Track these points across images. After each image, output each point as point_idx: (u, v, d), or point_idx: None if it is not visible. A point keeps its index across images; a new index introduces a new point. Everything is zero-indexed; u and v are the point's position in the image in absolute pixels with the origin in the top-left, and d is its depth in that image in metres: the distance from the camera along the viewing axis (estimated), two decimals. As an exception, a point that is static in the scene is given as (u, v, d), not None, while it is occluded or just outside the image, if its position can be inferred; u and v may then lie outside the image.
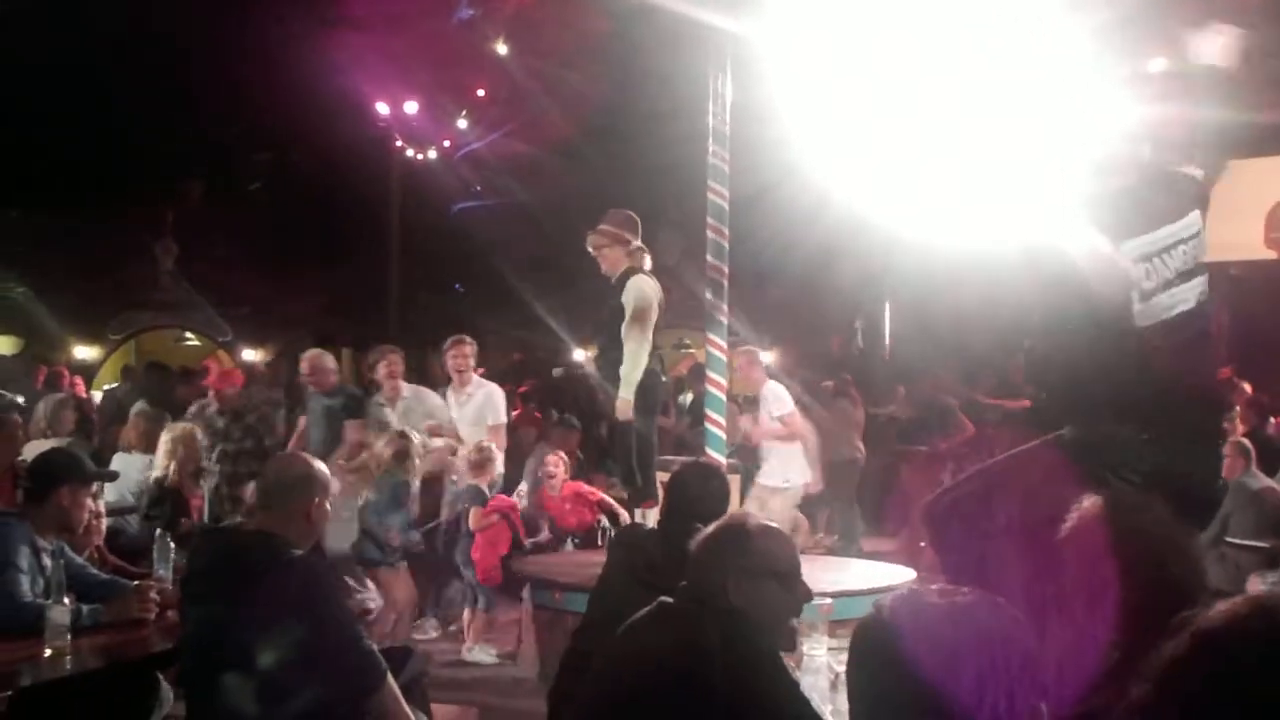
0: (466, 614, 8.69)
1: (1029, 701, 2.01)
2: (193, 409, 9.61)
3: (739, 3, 8.15)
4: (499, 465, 8.90)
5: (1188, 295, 4.02)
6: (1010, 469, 4.55)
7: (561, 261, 20.24)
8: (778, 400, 9.77)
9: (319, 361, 9.15)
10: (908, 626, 2.05)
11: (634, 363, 7.58)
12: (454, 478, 9.10)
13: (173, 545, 5.58)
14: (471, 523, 8.48)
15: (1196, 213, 4.12)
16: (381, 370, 9.17)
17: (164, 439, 8.25)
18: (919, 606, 2.11)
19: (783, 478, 9.78)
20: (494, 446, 8.97)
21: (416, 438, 8.23)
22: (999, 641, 2.03)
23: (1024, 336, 8.81)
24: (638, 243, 7.81)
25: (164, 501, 7.88)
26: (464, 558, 8.54)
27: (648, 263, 7.87)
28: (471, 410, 9.34)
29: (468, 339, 9.51)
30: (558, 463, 9.53)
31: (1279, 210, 14.63)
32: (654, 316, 7.64)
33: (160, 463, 8.10)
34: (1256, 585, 6.90)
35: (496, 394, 9.62)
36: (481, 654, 8.39)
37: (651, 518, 7.29)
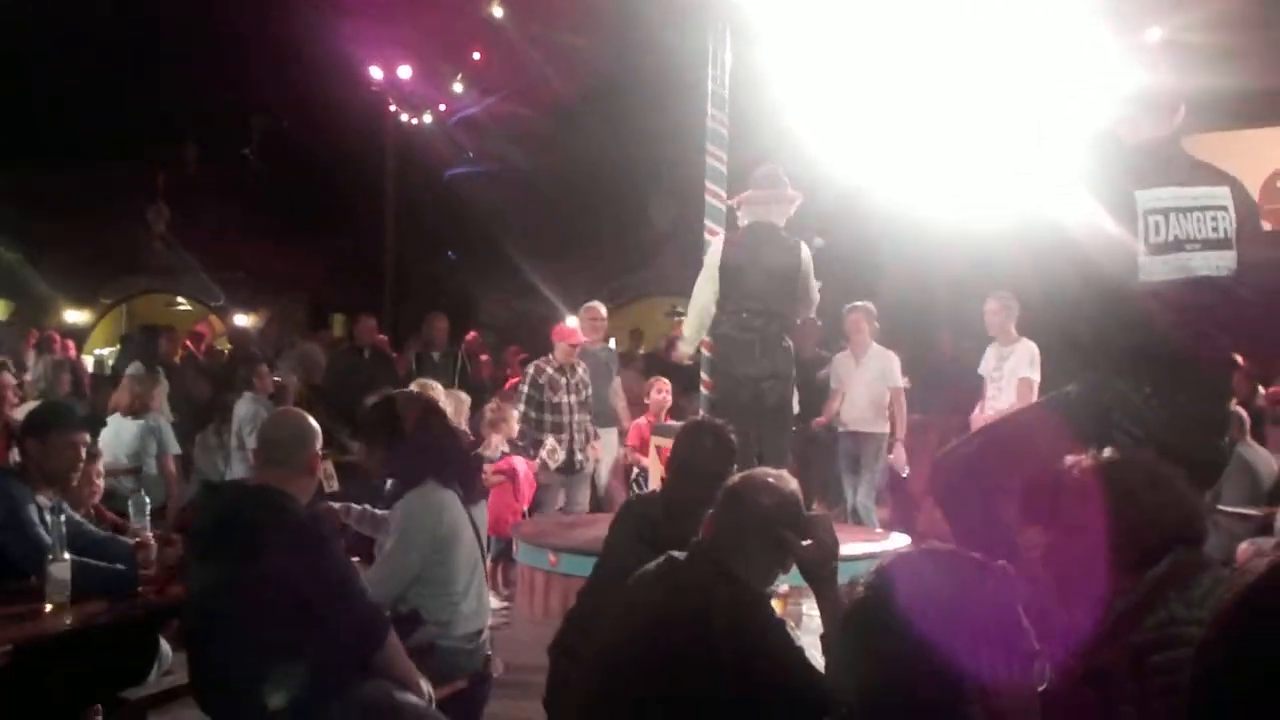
0: (488, 566, 8.86)
1: (1027, 659, 2.03)
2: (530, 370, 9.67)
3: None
4: (514, 425, 9.09)
5: (1212, 264, 4.01)
6: (1018, 426, 4.57)
7: (557, 227, 20.24)
8: (1034, 363, 8.96)
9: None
10: (903, 589, 2.06)
11: (688, 313, 7.93)
12: None
13: (147, 500, 5.65)
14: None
15: (1227, 189, 4.10)
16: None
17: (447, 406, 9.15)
18: (913, 569, 2.13)
19: None
20: (508, 406, 9.28)
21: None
22: (993, 600, 2.05)
23: (1022, 303, 8.86)
24: (745, 197, 7.77)
25: None
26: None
27: (758, 215, 7.75)
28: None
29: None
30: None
31: (1274, 181, 14.66)
32: (710, 275, 7.65)
33: None
34: (1247, 551, 6.94)
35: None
36: (493, 601, 8.55)
37: None
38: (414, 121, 19.64)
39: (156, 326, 13.93)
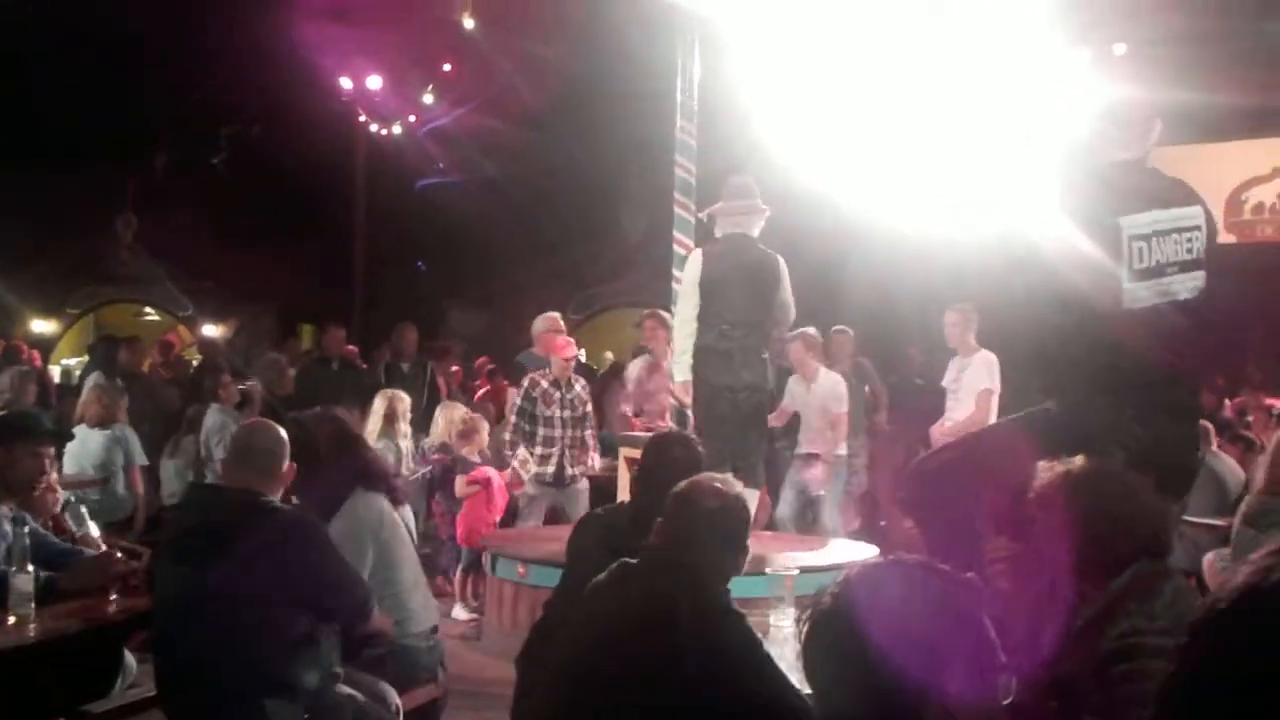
0: (458, 577, 9.12)
1: (990, 674, 2.01)
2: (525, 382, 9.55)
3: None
4: (485, 436, 9.37)
5: (1188, 286, 4.03)
6: (995, 439, 4.60)
7: (528, 237, 20.25)
8: (992, 373, 8.79)
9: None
10: (868, 599, 2.04)
11: (674, 336, 7.88)
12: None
13: (83, 508, 5.62)
14: (457, 490, 9.06)
15: (1199, 208, 4.13)
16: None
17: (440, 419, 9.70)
18: (880, 579, 2.11)
19: None
20: (479, 416, 9.51)
21: None
22: (960, 612, 2.03)
23: (993, 316, 8.86)
24: (718, 209, 7.78)
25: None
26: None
27: (733, 226, 7.76)
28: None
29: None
30: None
31: (1239, 195, 14.80)
32: (690, 291, 7.62)
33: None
34: (1213, 562, 6.99)
35: None
36: (461, 612, 8.76)
37: None
38: (384, 132, 19.63)
39: (116, 337, 13.77)
